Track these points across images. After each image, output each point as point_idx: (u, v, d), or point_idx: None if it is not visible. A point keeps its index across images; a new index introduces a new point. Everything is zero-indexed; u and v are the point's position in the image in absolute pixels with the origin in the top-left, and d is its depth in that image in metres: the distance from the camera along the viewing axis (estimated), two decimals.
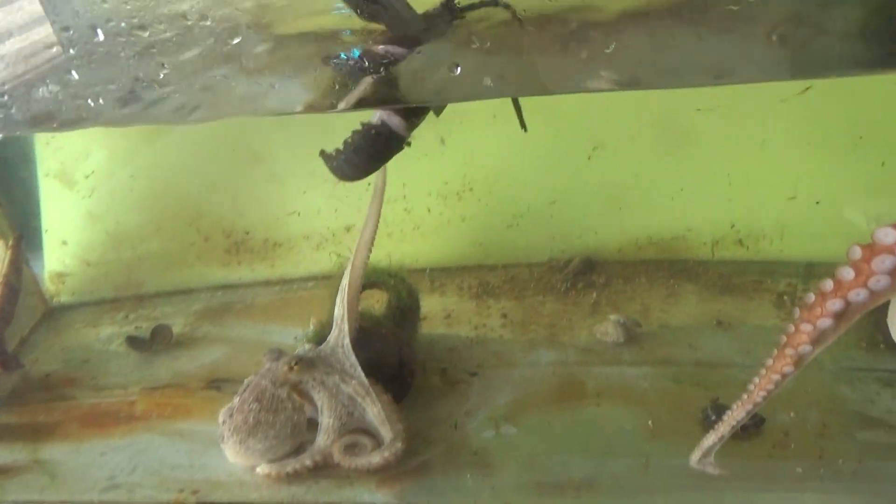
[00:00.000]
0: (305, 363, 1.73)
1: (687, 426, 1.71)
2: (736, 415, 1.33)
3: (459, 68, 1.36)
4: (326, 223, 2.41)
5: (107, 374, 2.14)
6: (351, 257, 1.82)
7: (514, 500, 1.56)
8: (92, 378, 2.13)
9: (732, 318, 2.07)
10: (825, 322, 1.20)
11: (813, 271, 2.16)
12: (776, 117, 2.06)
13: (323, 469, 1.66)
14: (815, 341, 1.22)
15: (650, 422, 1.73)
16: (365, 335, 1.79)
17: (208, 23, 1.36)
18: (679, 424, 1.72)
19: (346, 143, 1.52)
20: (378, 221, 1.81)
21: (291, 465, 1.67)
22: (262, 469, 1.68)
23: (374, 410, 1.68)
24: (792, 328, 1.24)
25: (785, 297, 2.11)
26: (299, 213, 2.41)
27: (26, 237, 2.33)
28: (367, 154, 1.51)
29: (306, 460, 1.67)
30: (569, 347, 2.04)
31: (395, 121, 1.49)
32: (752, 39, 1.32)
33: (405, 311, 1.96)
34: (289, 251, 2.46)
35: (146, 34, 1.37)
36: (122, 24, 1.37)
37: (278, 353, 1.79)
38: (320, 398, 1.70)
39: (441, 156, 2.33)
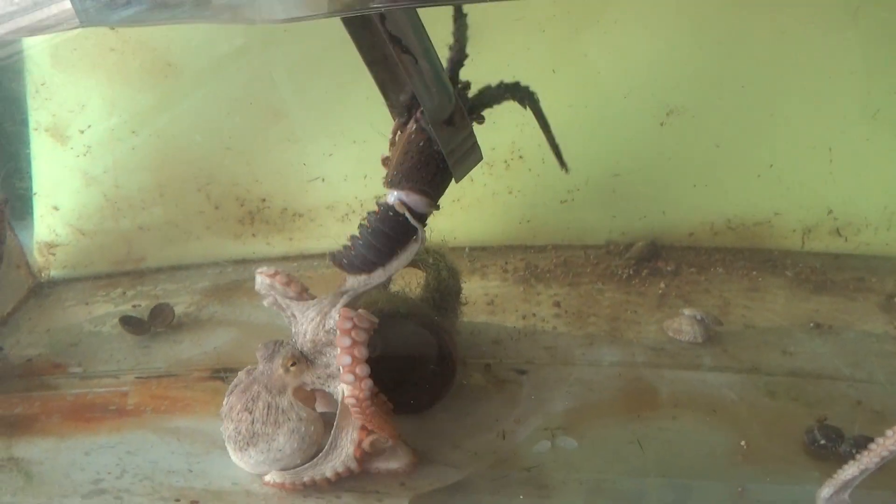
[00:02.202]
0: (306, 359, 1.44)
1: (788, 450, 1.41)
2: (890, 444, 1.01)
3: None
4: (354, 191, 2.12)
5: (97, 361, 1.87)
6: None
7: None
8: (79, 364, 1.86)
9: (832, 320, 1.76)
10: None
11: None
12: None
13: (347, 479, 1.38)
14: None
15: (743, 442, 1.42)
16: (398, 321, 1.50)
17: None
18: (778, 447, 1.42)
19: (360, 232, 1.42)
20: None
21: (308, 475, 1.38)
22: (272, 478, 1.40)
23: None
24: None
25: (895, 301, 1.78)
26: (323, 180, 2.12)
27: (12, 201, 2.07)
28: (388, 237, 1.40)
29: (325, 470, 1.38)
30: (635, 345, 1.73)
31: (413, 199, 1.39)
32: None
33: (445, 293, 1.66)
34: (310, 223, 2.17)
35: None
36: None
37: (273, 347, 1.47)
38: (337, 392, 1.41)
39: (487, 117, 2.01)
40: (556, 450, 1.45)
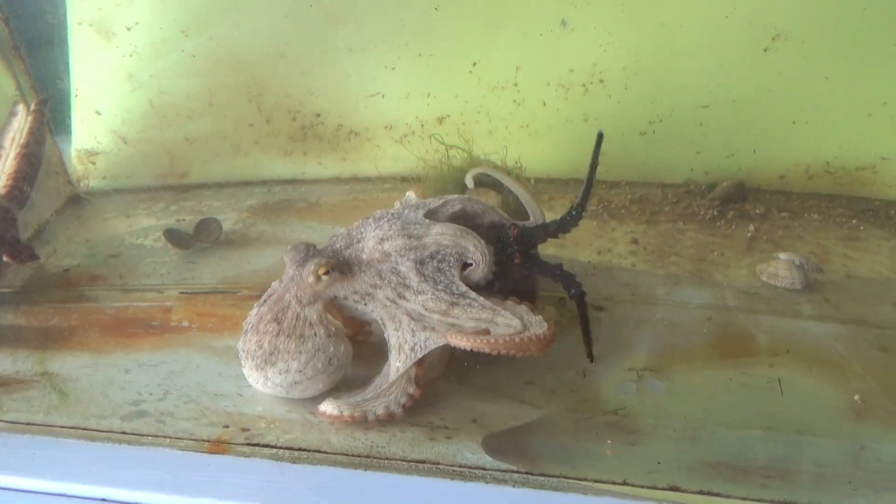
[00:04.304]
0: (341, 268, 1.28)
1: None
2: None
3: None
4: (415, 110, 1.96)
5: (138, 274, 1.74)
6: None
7: (682, 483, 1.12)
8: (120, 277, 1.74)
9: None
10: None
11: None
12: None
13: (414, 413, 1.25)
14: None
15: (857, 397, 1.27)
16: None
17: None
18: None
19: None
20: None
21: (371, 408, 1.24)
22: (326, 408, 1.26)
23: (483, 316, 1.24)
24: None
25: None
26: (383, 95, 1.96)
27: (52, 103, 1.92)
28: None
29: (378, 408, 1.24)
30: (725, 288, 1.58)
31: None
32: None
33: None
34: (366, 143, 2.02)
35: None
36: None
37: (306, 251, 1.33)
38: (378, 314, 1.27)
39: (567, 36, 1.84)
40: (642, 392, 1.31)
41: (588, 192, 1.39)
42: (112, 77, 1.96)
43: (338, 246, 1.34)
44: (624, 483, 1.12)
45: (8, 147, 1.79)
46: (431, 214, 1.35)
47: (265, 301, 1.33)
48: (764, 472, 1.14)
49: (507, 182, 1.47)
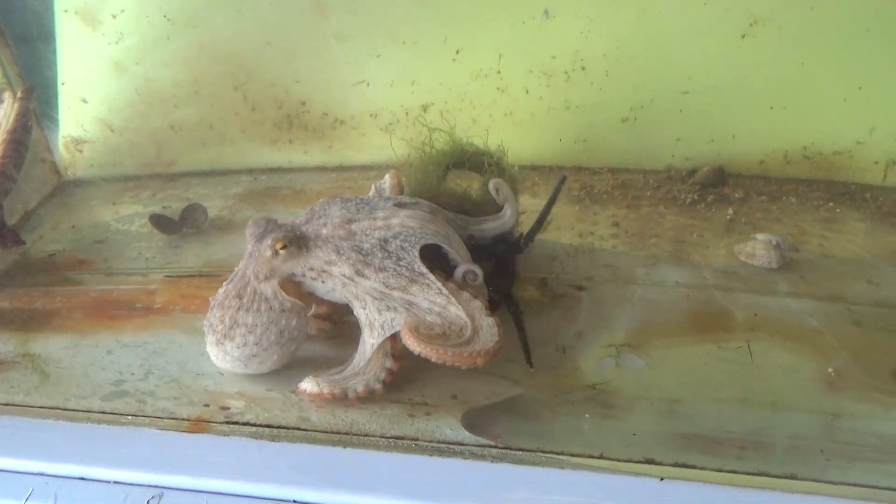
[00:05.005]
0: (299, 242, 1.29)
1: (881, 380, 1.28)
2: None
3: None
4: (400, 98, 1.98)
5: (123, 258, 1.75)
6: None
7: (658, 456, 1.14)
8: (105, 261, 1.75)
9: None
10: None
11: None
12: None
13: (394, 390, 1.26)
14: None
15: (831, 370, 1.29)
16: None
17: None
18: (870, 378, 1.29)
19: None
20: None
21: (350, 385, 1.25)
22: (306, 385, 1.27)
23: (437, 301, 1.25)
24: None
25: None
26: (368, 84, 1.97)
27: (39, 91, 1.93)
28: None
29: (358, 385, 1.25)
30: (704, 268, 1.60)
31: None
32: None
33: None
34: (351, 131, 2.03)
35: None
36: None
37: (265, 226, 1.33)
38: (339, 293, 1.27)
39: (550, 22, 1.86)
40: (621, 368, 1.33)
41: (540, 224, 1.48)
42: (98, 65, 1.97)
43: (297, 221, 1.35)
44: (601, 457, 1.14)
45: None
46: (401, 206, 1.36)
47: (232, 279, 1.33)
48: (739, 443, 1.16)
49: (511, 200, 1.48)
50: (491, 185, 1.44)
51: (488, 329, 1.21)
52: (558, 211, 1.85)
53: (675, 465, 1.12)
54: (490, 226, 1.43)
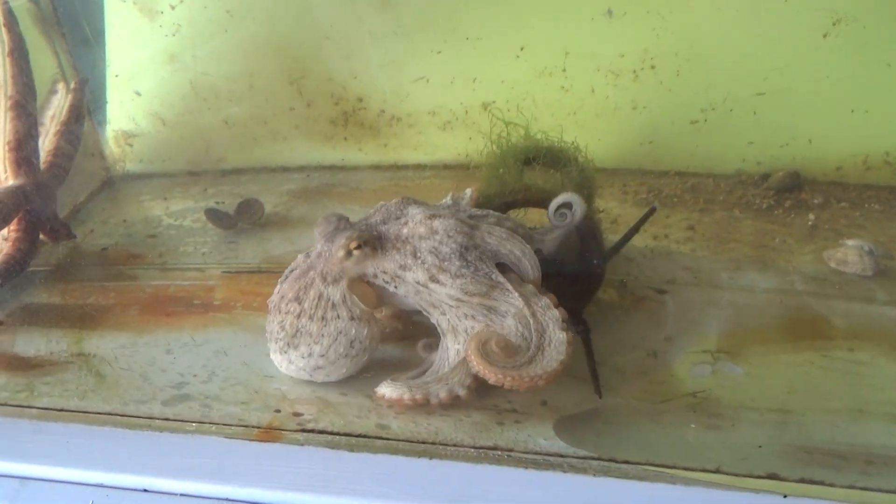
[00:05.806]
0: (374, 243, 1.19)
1: None
2: None
3: None
4: (460, 97, 1.91)
5: (178, 254, 1.69)
6: None
7: (782, 471, 1.04)
8: (160, 256, 1.68)
9: None
10: None
11: None
12: None
13: (479, 396, 1.17)
14: None
15: None
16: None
17: None
18: None
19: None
20: None
21: (433, 390, 1.16)
22: (385, 390, 1.18)
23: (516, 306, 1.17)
24: None
25: None
26: (428, 80, 1.91)
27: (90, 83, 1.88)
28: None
29: (441, 391, 1.16)
30: (792, 274, 1.52)
31: None
32: None
33: (588, 187, 1.45)
34: (408, 129, 1.97)
35: None
36: None
37: (337, 223, 1.23)
38: (412, 300, 1.20)
39: (619, 19, 1.79)
40: (719, 375, 1.24)
41: (618, 250, 1.43)
42: (154, 57, 1.91)
43: (373, 220, 1.25)
44: (717, 471, 1.04)
45: (48, 124, 1.75)
46: (481, 218, 1.28)
47: (287, 277, 1.24)
48: (865, 458, 1.07)
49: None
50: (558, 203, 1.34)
51: (557, 346, 1.13)
52: (627, 212, 1.79)
53: (801, 480, 1.02)
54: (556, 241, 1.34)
